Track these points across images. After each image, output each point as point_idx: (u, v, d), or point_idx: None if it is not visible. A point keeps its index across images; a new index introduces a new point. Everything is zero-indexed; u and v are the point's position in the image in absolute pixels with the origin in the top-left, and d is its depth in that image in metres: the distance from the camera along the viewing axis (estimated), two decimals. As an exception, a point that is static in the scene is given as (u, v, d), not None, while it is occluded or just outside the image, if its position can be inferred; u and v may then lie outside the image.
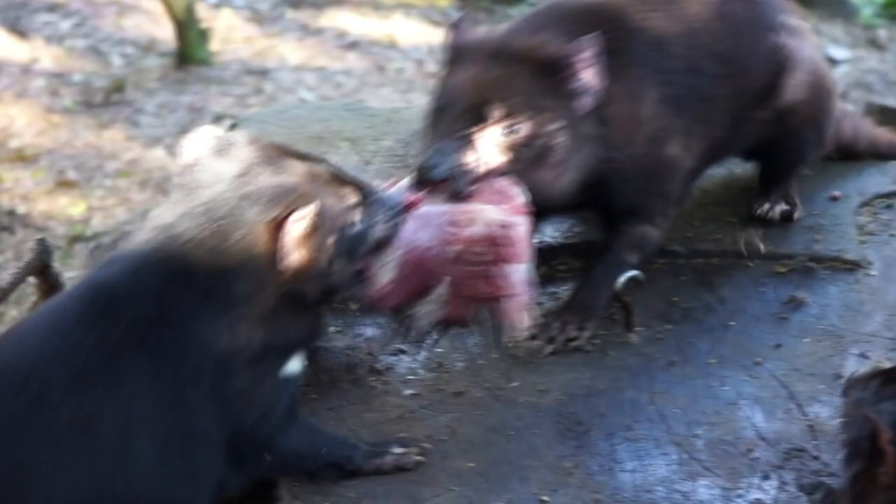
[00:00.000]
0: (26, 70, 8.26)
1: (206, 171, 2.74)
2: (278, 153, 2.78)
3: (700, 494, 2.74)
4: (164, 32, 8.61)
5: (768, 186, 3.70)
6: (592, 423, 2.97)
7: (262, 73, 8.34)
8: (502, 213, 2.93)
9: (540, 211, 3.13)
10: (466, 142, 3.09)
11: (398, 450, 2.94)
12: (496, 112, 3.10)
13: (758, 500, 2.73)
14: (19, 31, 8.80)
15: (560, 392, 3.07)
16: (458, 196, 3.01)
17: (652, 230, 3.42)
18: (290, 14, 9.32)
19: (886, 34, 9.01)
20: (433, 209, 2.96)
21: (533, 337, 3.25)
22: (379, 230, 2.88)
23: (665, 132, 3.35)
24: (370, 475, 2.88)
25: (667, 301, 3.39)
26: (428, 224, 2.94)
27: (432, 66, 8.38)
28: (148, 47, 8.70)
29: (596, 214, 3.52)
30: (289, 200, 2.67)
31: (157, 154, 7.22)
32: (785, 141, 3.63)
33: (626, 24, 3.37)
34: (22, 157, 7.12)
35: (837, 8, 9.28)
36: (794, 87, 3.58)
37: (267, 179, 2.70)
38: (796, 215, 3.60)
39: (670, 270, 3.50)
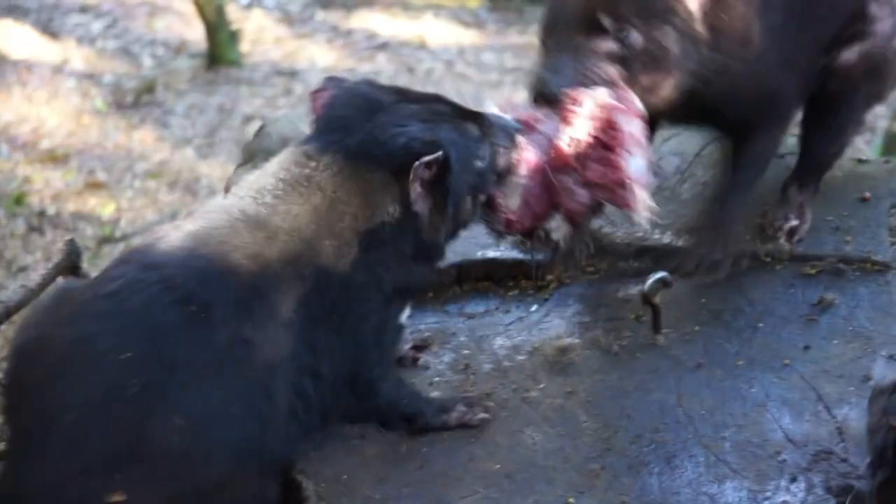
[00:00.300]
0: (58, 71, 8.29)
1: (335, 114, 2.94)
2: (400, 96, 2.95)
3: (727, 497, 2.74)
4: (195, 34, 8.64)
5: (800, 175, 3.69)
6: (619, 424, 2.96)
7: (292, 74, 8.35)
8: (608, 95, 3.01)
9: (654, 117, 3.25)
10: (579, 54, 3.13)
11: (462, 407, 3.05)
12: (606, 21, 3.14)
13: (785, 502, 2.72)
14: (51, 32, 8.85)
15: (587, 394, 3.07)
16: (572, 111, 3.02)
17: (768, 144, 3.54)
18: (321, 15, 9.33)
19: None
20: (552, 126, 3.02)
21: (676, 267, 3.33)
22: (502, 159, 2.98)
23: (773, 51, 3.39)
24: (437, 430, 3.01)
25: (695, 303, 3.38)
26: (548, 143, 3.00)
27: (462, 67, 8.38)
28: (179, 48, 8.73)
29: (715, 129, 3.65)
30: (417, 147, 2.81)
31: (187, 155, 7.24)
32: (843, 99, 3.63)
33: None
34: (53, 158, 7.16)
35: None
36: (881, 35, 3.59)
37: (393, 125, 2.86)
38: (798, 236, 3.58)
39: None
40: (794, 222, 3.58)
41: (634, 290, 3.38)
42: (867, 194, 3.70)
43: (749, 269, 3.48)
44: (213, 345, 2.65)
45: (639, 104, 3.05)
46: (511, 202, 3.01)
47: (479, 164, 2.94)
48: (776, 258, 3.49)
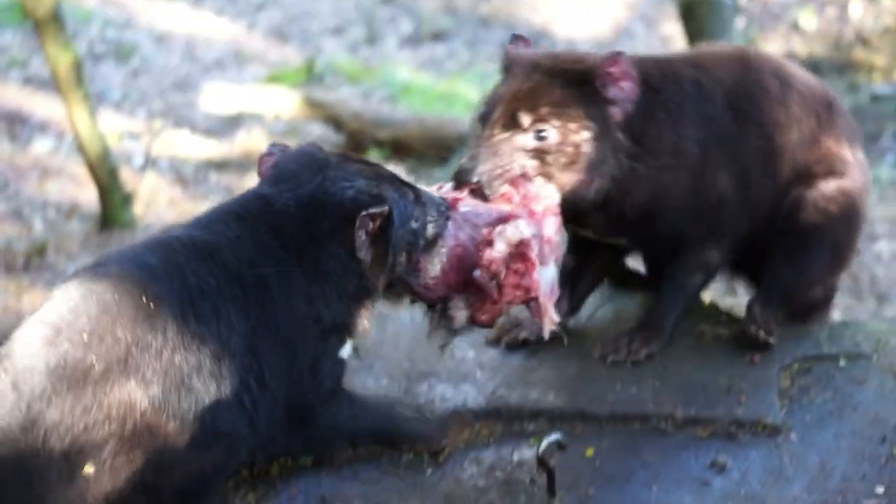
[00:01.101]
0: (-54, 233, 8.21)
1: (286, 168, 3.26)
2: (344, 157, 3.30)
3: None
4: (88, 196, 8.61)
5: (763, 298, 3.82)
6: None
7: (186, 236, 8.33)
8: (527, 226, 3.27)
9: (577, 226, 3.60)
10: (499, 147, 3.39)
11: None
12: (525, 119, 3.39)
13: None
14: (-60, 194, 8.77)
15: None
16: (490, 196, 3.36)
17: (710, 252, 3.73)
18: (215, 177, 9.37)
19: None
20: (471, 210, 3.32)
21: (603, 355, 3.68)
22: (431, 228, 3.27)
23: (710, 165, 3.63)
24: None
25: (590, 465, 3.38)
26: (466, 224, 3.29)
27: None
28: (71, 211, 8.69)
29: (653, 247, 3.84)
30: (364, 200, 3.14)
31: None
32: (815, 233, 3.80)
33: (676, 68, 3.71)
34: (-61, 321, 7.04)
35: None
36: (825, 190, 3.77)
37: (342, 179, 3.18)
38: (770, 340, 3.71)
39: (593, 435, 3.50)
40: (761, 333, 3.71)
41: (529, 453, 3.38)
42: (757, 357, 3.74)
43: (643, 431, 3.50)
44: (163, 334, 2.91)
45: (555, 198, 3.34)
46: (432, 269, 3.28)
47: (413, 224, 3.23)
48: (671, 422, 3.52)
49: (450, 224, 3.30)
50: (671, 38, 12.44)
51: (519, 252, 3.25)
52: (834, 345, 3.79)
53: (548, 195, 3.35)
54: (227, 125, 10.14)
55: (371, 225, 3.14)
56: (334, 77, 11.25)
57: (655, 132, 3.57)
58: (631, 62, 3.47)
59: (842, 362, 3.71)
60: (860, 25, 12.26)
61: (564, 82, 3.47)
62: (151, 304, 2.93)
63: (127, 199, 8.39)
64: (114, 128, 9.99)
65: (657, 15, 13.06)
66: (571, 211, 3.47)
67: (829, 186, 3.76)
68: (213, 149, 9.84)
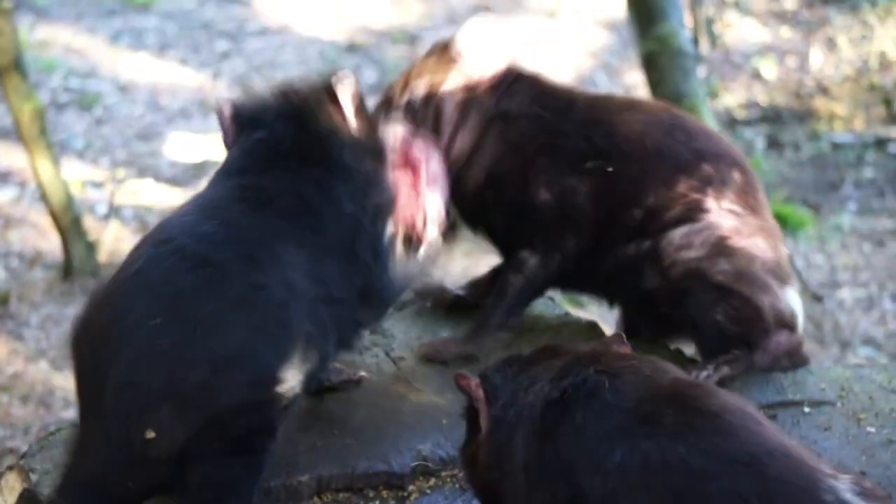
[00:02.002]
0: None
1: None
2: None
3: None
4: (51, 245, 8.58)
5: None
6: None
7: (150, 285, 8.30)
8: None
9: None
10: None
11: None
12: (400, 83, 3.86)
13: None
14: None
15: None
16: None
17: (531, 256, 3.87)
18: (179, 226, 9.34)
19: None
20: None
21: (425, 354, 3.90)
22: None
23: (541, 172, 3.85)
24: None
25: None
26: None
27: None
28: (33, 260, 8.65)
29: (490, 240, 4.06)
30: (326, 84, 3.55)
31: (41, 367, 7.13)
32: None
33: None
34: None
35: None
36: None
37: (304, 88, 3.61)
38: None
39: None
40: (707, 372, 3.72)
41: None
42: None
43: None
44: (229, 296, 3.08)
45: (433, 145, 3.67)
46: None
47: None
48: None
49: None
50: (634, 87, 12.53)
51: (407, 162, 3.57)
52: (798, 391, 3.80)
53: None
54: (192, 174, 10.13)
55: (348, 88, 3.52)
56: (299, 126, 11.26)
57: (513, 117, 3.90)
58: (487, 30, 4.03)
59: (806, 408, 3.73)
60: (820, 74, 12.39)
61: (431, 54, 3.96)
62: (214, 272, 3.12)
63: (90, 248, 8.36)
64: (77, 176, 9.96)
65: (620, 65, 13.16)
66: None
67: (678, 233, 3.79)
68: (178, 197, 9.81)
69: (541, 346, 3.03)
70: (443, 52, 3.96)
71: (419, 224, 3.59)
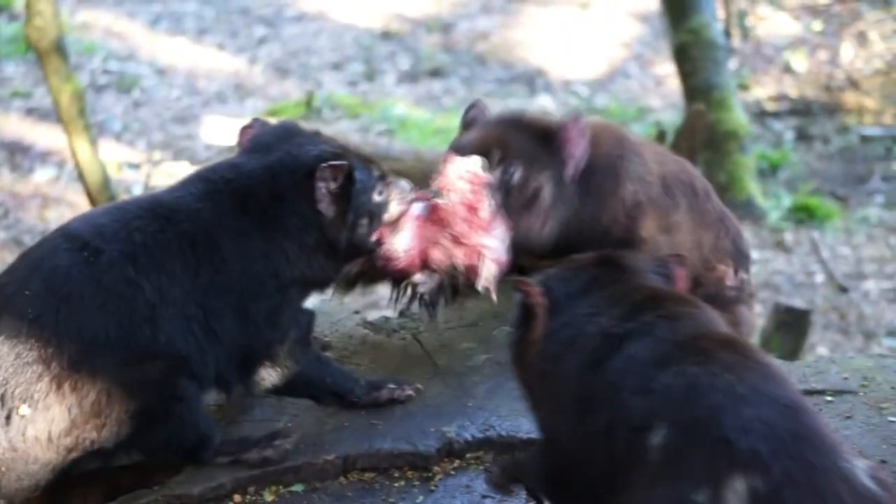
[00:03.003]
0: (-53, 259, 8.21)
1: (260, 140, 3.50)
2: (319, 133, 3.55)
3: None
4: (88, 224, 8.61)
5: None
6: None
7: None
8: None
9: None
10: None
11: (392, 385, 3.64)
12: (496, 155, 3.68)
13: None
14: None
15: None
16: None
17: None
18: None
19: (792, 237, 9.23)
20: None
21: None
22: (395, 207, 3.53)
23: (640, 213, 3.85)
24: (367, 407, 3.58)
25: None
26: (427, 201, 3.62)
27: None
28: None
29: None
30: (327, 157, 3.37)
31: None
32: None
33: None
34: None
35: (746, 210, 9.49)
36: None
37: (308, 144, 3.44)
38: None
39: None
40: None
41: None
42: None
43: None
44: (101, 281, 3.14)
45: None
46: (397, 244, 3.55)
47: (376, 197, 3.48)
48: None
49: (415, 205, 3.59)
50: (665, 78, 12.50)
51: (473, 193, 3.56)
52: (821, 380, 3.79)
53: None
54: (227, 156, 10.17)
55: (331, 179, 3.35)
56: (333, 111, 11.28)
57: (597, 185, 3.83)
58: (585, 125, 3.79)
59: (829, 397, 3.71)
60: (850, 68, 12.32)
61: (529, 135, 3.78)
62: (90, 257, 3.16)
63: (126, 228, 8.39)
64: (114, 157, 10.02)
65: (651, 56, 13.12)
66: (526, 254, 3.72)
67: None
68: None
69: (601, 256, 3.09)
70: (543, 139, 3.84)
71: (475, 257, 3.56)
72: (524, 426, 3.53)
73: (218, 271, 3.28)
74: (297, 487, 3.38)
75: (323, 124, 10.53)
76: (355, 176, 3.38)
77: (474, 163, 3.60)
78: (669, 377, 2.62)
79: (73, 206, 9.13)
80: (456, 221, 3.57)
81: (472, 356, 3.93)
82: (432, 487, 3.42)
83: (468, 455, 3.53)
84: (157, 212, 3.30)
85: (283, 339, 3.40)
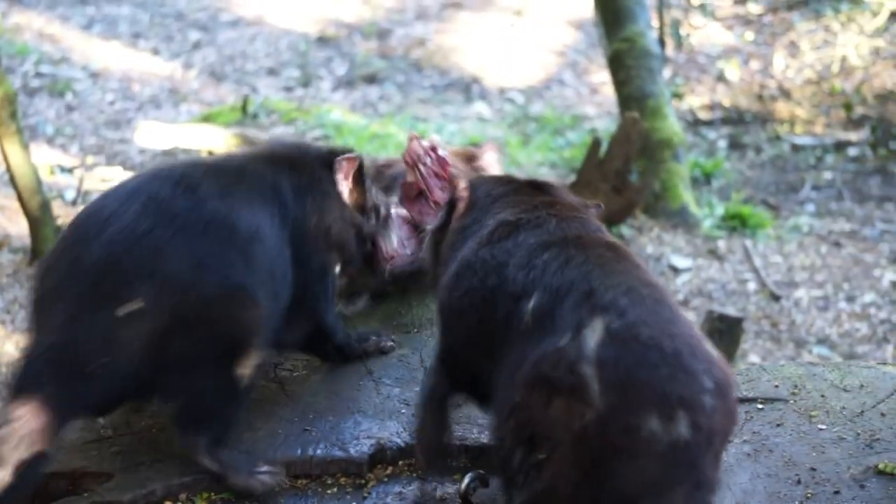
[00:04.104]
0: None
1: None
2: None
3: None
4: (19, 229, 8.52)
5: None
6: None
7: (117, 270, 8.26)
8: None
9: None
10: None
11: (375, 337, 3.93)
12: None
13: None
14: None
15: None
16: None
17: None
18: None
19: (725, 245, 9.30)
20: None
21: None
22: (383, 207, 4.01)
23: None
24: (360, 357, 3.88)
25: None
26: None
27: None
28: (1, 244, 8.59)
29: None
30: (339, 151, 3.83)
31: (7, 350, 7.07)
32: None
33: None
34: None
35: (680, 219, 9.55)
36: None
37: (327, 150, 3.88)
38: None
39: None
40: None
41: (453, 488, 3.37)
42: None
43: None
44: (204, 209, 3.29)
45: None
46: (390, 242, 4.03)
47: (378, 196, 3.99)
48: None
49: (393, 203, 4.12)
50: (600, 86, 12.57)
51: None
52: (752, 388, 3.82)
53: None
54: (161, 161, 10.09)
55: (347, 168, 3.78)
56: (269, 116, 11.23)
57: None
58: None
59: (759, 405, 3.73)
60: (782, 77, 12.45)
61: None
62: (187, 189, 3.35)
63: (58, 232, 8.30)
64: (46, 161, 9.91)
65: (586, 64, 13.18)
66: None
67: None
68: (146, 185, 9.77)
69: (531, 181, 3.47)
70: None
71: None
72: (455, 432, 3.53)
73: (285, 224, 3.53)
74: (229, 494, 3.35)
75: (258, 129, 10.49)
76: (364, 169, 3.84)
77: (433, 139, 4.06)
78: (549, 256, 2.96)
79: (3, 209, 9.03)
80: (433, 190, 4.02)
81: (405, 363, 3.92)
82: (365, 494, 3.41)
83: (401, 462, 3.52)
84: (226, 169, 3.56)
85: (326, 296, 3.73)
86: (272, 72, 12.62)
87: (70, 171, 10.09)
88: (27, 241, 8.30)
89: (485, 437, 3.54)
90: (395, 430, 3.59)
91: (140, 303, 3.11)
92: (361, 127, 11.10)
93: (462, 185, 3.43)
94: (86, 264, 3.14)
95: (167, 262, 3.16)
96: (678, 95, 12.04)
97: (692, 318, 8.14)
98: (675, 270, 8.84)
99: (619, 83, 10.43)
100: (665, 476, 2.63)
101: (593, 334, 2.69)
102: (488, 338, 3.00)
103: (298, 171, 3.70)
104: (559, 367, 2.68)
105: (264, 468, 3.33)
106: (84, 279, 3.13)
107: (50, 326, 3.13)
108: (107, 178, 9.91)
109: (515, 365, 2.81)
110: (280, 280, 3.48)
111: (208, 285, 3.21)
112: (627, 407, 2.62)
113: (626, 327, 2.69)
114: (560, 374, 2.67)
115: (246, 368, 3.30)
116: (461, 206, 3.41)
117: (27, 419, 3.01)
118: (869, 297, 8.58)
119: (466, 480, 3.22)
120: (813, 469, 3.40)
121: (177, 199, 3.27)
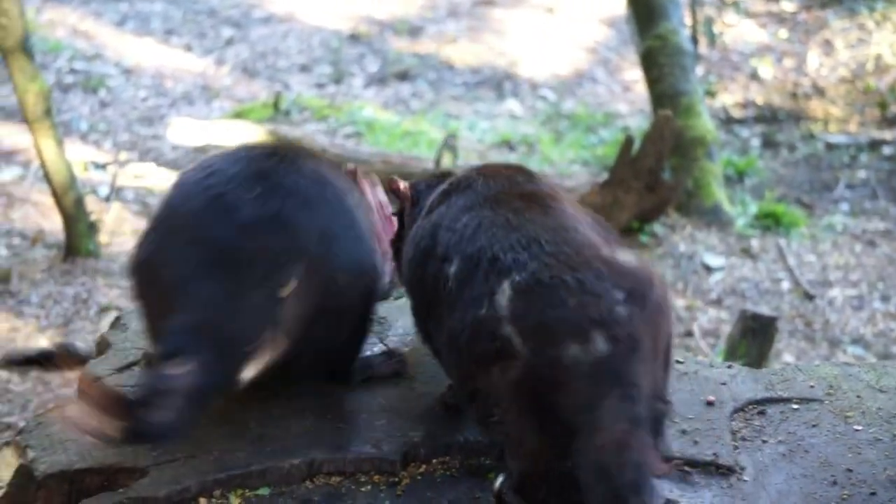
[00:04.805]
0: None
1: None
2: None
3: None
4: (53, 224, 8.57)
5: None
6: None
7: (150, 266, 8.29)
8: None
9: None
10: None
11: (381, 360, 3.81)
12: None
13: None
14: None
15: None
16: None
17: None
18: (180, 209, 9.33)
19: (759, 244, 9.27)
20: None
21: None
22: None
23: None
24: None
25: (545, 502, 3.36)
26: None
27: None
28: (35, 238, 8.65)
29: None
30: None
31: (41, 344, 7.11)
32: None
33: None
34: None
35: (713, 217, 9.52)
36: None
37: None
38: None
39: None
40: None
41: (491, 487, 3.37)
42: (711, 398, 3.75)
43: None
44: (309, 182, 3.40)
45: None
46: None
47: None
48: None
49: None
50: (632, 83, 12.53)
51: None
52: (787, 388, 3.80)
53: None
54: (193, 158, 10.13)
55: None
56: (300, 113, 11.26)
57: None
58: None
59: (794, 405, 3.72)
60: (816, 76, 12.39)
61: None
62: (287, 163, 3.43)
63: (92, 228, 8.36)
64: (80, 157, 9.97)
65: (618, 61, 13.16)
66: None
67: None
68: (179, 181, 9.80)
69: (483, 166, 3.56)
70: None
71: None
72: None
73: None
74: (263, 491, 3.35)
75: (290, 126, 10.52)
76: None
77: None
78: (467, 219, 3.13)
79: (37, 205, 9.08)
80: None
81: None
82: (399, 492, 3.41)
83: (434, 460, 3.51)
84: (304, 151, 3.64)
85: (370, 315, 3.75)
86: (304, 68, 12.65)
87: (104, 167, 10.14)
88: (61, 236, 8.35)
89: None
90: (429, 429, 3.59)
91: (295, 283, 3.24)
92: (393, 124, 11.11)
93: (402, 184, 3.62)
94: (226, 246, 3.25)
95: (309, 241, 3.29)
96: (711, 93, 12.01)
97: (724, 317, 8.12)
98: (708, 269, 8.80)
99: (652, 81, 10.41)
100: (593, 392, 2.79)
101: (503, 296, 2.89)
102: (428, 300, 3.25)
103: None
104: (484, 338, 2.90)
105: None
106: (230, 261, 3.24)
107: (197, 304, 3.24)
108: (140, 174, 9.96)
109: (448, 330, 3.06)
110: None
111: (347, 261, 3.38)
112: (545, 344, 2.81)
113: (528, 278, 2.89)
114: (487, 345, 2.89)
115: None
116: (407, 204, 3.63)
117: (187, 376, 3.15)
118: (903, 296, 8.54)
119: (500, 480, 3.21)
120: (849, 470, 3.38)
121: (290, 177, 3.37)
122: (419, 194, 3.62)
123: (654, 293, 2.92)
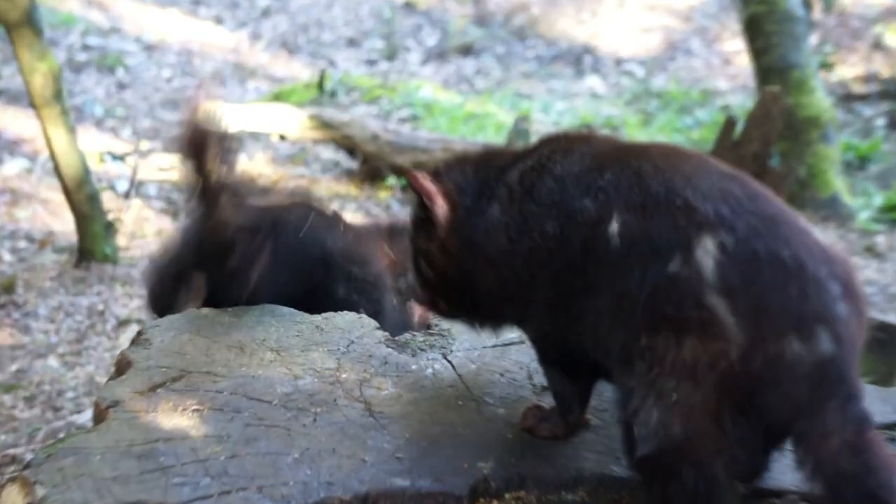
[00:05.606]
0: None
1: None
2: None
3: None
4: (64, 225, 8.63)
5: None
6: None
7: (175, 273, 8.34)
8: None
9: None
10: None
11: None
12: None
13: None
14: None
15: None
16: None
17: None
18: (209, 207, 9.38)
19: (885, 241, 9.19)
20: None
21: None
22: None
23: None
24: None
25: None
26: None
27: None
28: (44, 242, 8.72)
29: None
30: None
31: (50, 364, 7.16)
32: None
33: None
34: None
35: (831, 210, 9.48)
36: None
37: None
38: None
39: (642, 508, 3.47)
40: None
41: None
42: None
43: None
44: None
45: None
46: None
47: None
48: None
49: None
50: (734, 55, 12.47)
51: None
52: (920, 410, 3.78)
53: None
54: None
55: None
56: (348, 94, 11.30)
57: None
58: None
59: (931, 428, 3.70)
60: (952, 44, 12.28)
61: None
62: None
63: (108, 229, 8.41)
64: (95, 147, 10.04)
65: (718, 30, 13.11)
66: None
67: None
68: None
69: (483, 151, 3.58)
70: None
71: None
72: (575, 462, 3.51)
73: None
74: (302, 532, 3.36)
75: (337, 109, 10.54)
76: None
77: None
78: (612, 175, 3.05)
79: (46, 202, 9.16)
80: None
81: (510, 381, 3.90)
82: (473, 531, 3.41)
83: (507, 495, 3.51)
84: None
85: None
86: (352, 43, 12.70)
87: (122, 158, 10.22)
88: (73, 239, 8.42)
89: (602, 468, 3.51)
90: (500, 458, 3.57)
91: None
92: (455, 106, 11.13)
93: (423, 181, 3.47)
94: None
95: None
96: (827, 66, 11.94)
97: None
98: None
99: (757, 52, 10.36)
100: (815, 395, 2.77)
101: (706, 256, 2.82)
102: (566, 278, 3.15)
103: None
104: (682, 301, 2.82)
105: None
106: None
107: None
108: (163, 166, 10.01)
109: (612, 299, 2.98)
110: None
111: None
112: (767, 336, 2.76)
113: (740, 243, 2.82)
114: (686, 311, 2.81)
115: None
116: (438, 201, 3.45)
117: None
118: None
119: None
120: None
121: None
122: (459, 184, 3.47)
123: (859, 287, 2.92)
